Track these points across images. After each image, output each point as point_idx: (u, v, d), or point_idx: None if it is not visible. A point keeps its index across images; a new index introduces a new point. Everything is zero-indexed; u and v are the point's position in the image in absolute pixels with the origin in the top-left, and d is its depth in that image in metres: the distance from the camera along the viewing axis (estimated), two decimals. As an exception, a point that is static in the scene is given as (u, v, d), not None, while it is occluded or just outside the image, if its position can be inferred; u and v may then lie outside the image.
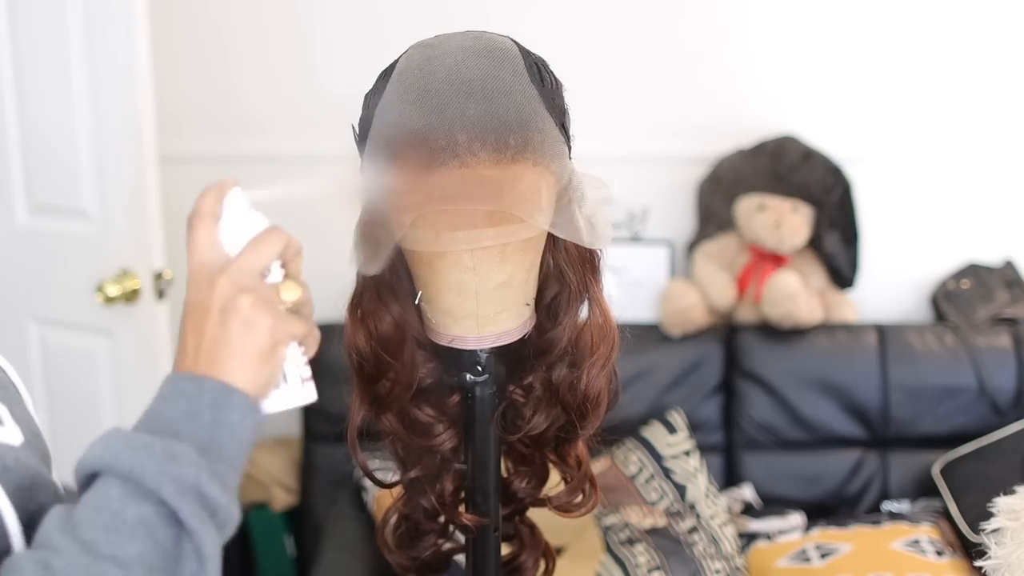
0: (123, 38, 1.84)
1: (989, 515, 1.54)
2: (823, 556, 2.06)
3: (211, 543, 0.67)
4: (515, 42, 0.95)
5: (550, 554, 1.13)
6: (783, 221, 2.32)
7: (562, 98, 0.94)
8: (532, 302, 0.98)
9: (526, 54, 0.93)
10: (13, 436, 0.74)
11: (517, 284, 0.94)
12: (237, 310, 0.71)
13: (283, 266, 0.77)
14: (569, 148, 0.94)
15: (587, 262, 0.99)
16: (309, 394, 0.77)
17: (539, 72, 0.92)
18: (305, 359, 0.78)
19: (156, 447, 0.66)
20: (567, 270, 0.98)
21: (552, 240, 0.97)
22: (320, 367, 2.34)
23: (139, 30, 1.85)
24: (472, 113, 0.86)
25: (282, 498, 2.39)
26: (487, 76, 0.88)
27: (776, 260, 2.38)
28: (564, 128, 0.93)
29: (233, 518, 0.69)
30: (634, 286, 2.44)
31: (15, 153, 2.01)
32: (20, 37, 1.94)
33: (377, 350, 0.99)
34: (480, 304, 0.93)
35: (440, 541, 1.10)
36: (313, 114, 2.47)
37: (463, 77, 0.87)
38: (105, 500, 0.66)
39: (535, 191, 0.89)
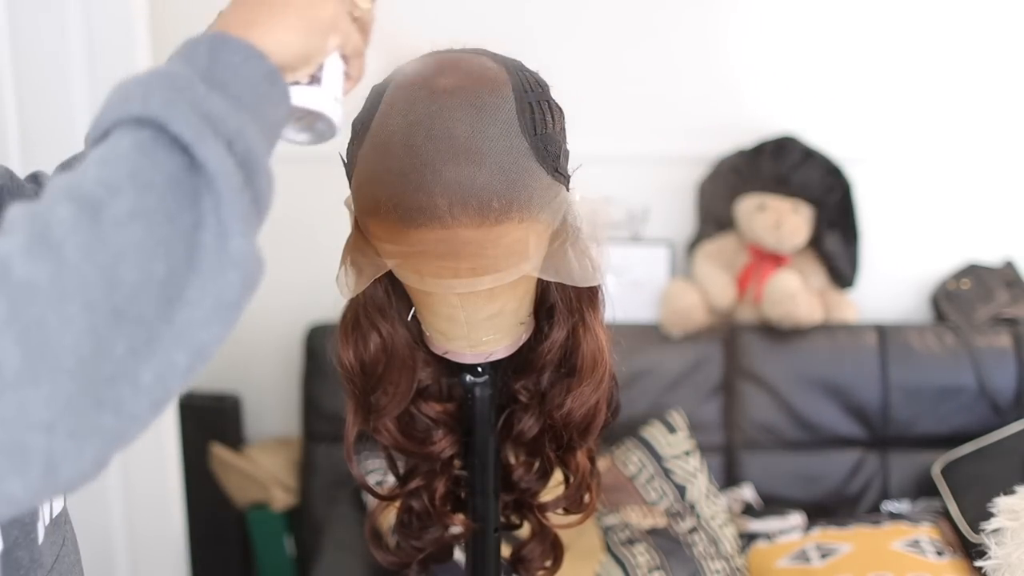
0: (123, 38, 1.84)
1: (989, 515, 1.55)
2: (823, 556, 2.06)
3: (219, 159, 0.56)
4: (513, 70, 0.89)
5: (559, 546, 1.11)
6: (783, 221, 2.32)
7: (556, 140, 0.89)
8: (528, 319, 0.97)
9: (521, 92, 0.87)
10: None
11: (509, 312, 0.93)
12: (312, 7, 0.66)
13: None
14: (566, 185, 0.91)
15: (584, 291, 0.98)
16: (335, 112, 0.73)
17: (532, 116, 0.86)
18: (344, 83, 0.74)
19: (152, 76, 0.60)
20: (560, 295, 0.97)
21: None
22: (321, 367, 2.35)
23: (139, 30, 1.85)
24: (454, 177, 0.82)
25: (282, 498, 2.39)
26: (473, 133, 0.83)
27: (776, 260, 2.38)
28: (558, 171, 0.89)
29: (256, 149, 0.59)
30: (634, 286, 2.44)
31: (15, 153, 2.01)
32: (20, 37, 1.94)
33: (364, 370, 0.98)
34: (471, 330, 0.93)
35: (446, 531, 1.09)
36: (313, 114, 2.46)
37: (447, 132, 0.83)
38: (101, 146, 0.57)
39: (521, 244, 0.86)
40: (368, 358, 0.98)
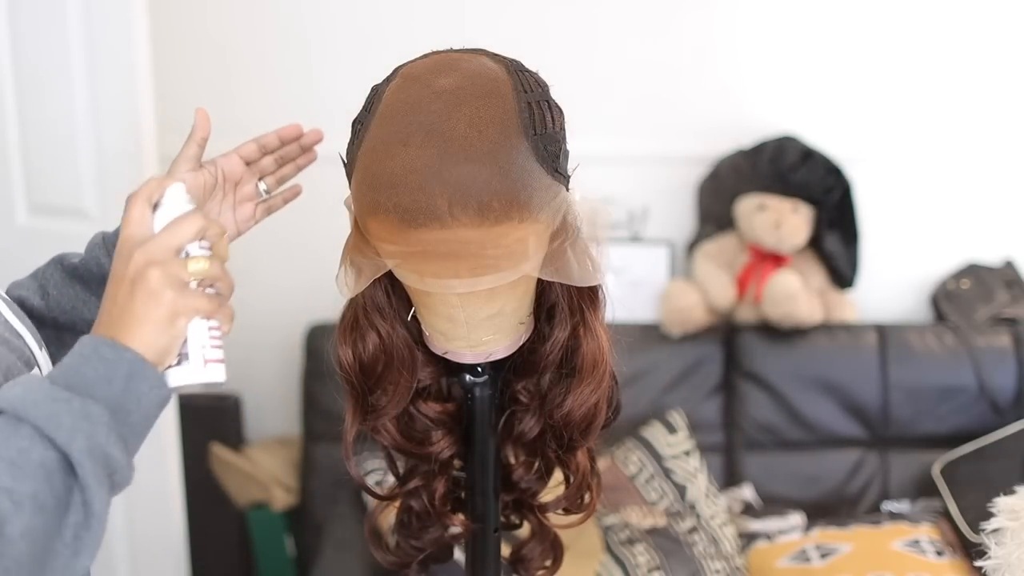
0: (123, 38, 1.84)
1: (989, 515, 1.54)
2: (823, 556, 2.06)
3: (102, 500, 0.72)
4: (513, 70, 0.89)
5: (559, 546, 1.11)
6: (783, 221, 2.32)
7: (556, 140, 0.89)
8: (527, 319, 0.97)
9: (520, 91, 0.87)
10: None
11: (509, 312, 0.93)
12: (145, 281, 0.75)
13: (210, 247, 0.81)
14: (566, 185, 0.91)
15: (585, 291, 0.98)
16: (214, 374, 0.80)
17: (532, 116, 0.86)
18: (218, 338, 0.80)
19: (75, 404, 0.71)
20: (562, 295, 0.97)
21: None
22: (321, 367, 2.35)
23: (139, 30, 1.85)
24: (454, 177, 0.82)
25: (282, 498, 2.39)
26: (472, 133, 0.83)
27: (776, 260, 2.38)
28: (558, 171, 0.89)
29: (128, 479, 0.75)
30: (634, 286, 2.44)
31: (15, 153, 2.01)
32: (20, 37, 1.94)
33: (363, 370, 0.99)
34: (471, 331, 0.93)
35: (445, 531, 1.09)
36: (312, 115, 2.46)
37: (447, 133, 0.83)
38: (15, 435, 0.70)
39: (521, 244, 0.86)
40: (367, 358, 0.98)
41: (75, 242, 1.98)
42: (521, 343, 0.98)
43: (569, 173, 0.93)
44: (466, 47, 0.94)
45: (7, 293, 1.06)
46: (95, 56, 1.87)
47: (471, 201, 0.82)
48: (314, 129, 1.10)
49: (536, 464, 1.07)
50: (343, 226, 0.95)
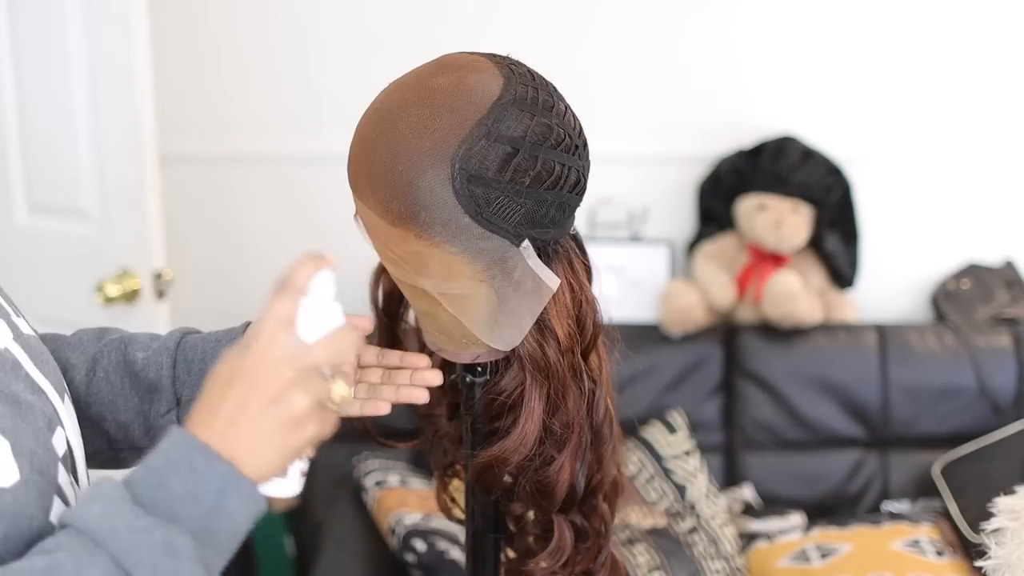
0: (123, 38, 1.84)
1: (989, 515, 1.54)
2: (823, 556, 2.06)
3: None
4: (509, 103, 0.84)
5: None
6: (783, 221, 2.32)
7: (499, 189, 0.83)
8: (479, 342, 0.94)
9: (491, 124, 0.83)
10: (5, 475, 0.69)
11: (444, 321, 0.93)
12: (289, 407, 0.70)
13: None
14: (512, 240, 0.86)
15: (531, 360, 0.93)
16: (297, 487, 0.76)
17: (476, 153, 0.82)
18: (309, 454, 0.77)
19: (156, 535, 0.65)
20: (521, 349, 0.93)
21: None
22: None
23: (139, 30, 1.84)
24: (376, 166, 0.84)
25: (282, 498, 2.39)
26: (409, 136, 0.83)
27: (776, 260, 2.38)
28: (483, 217, 0.84)
29: None
30: (634, 286, 2.44)
31: (15, 153, 2.01)
32: (20, 37, 1.94)
33: (385, 300, 1.04)
34: (425, 326, 0.97)
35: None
36: (312, 114, 2.47)
37: (397, 126, 0.84)
38: (89, 563, 0.64)
39: (420, 257, 0.86)
40: (387, 289, 1.03)
41: (75, 242, 1.99)
42: (478, 359, 0.97)
43: (529, 234, 0.87)
44: (509, 55, 0.91)
45: (68, 337, 0.99)
46: (95, 56, 1.87)
47: (378, 194, 0.84)
48: (435, 372, 0.99)
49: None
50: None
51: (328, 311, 0.74)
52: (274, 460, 0.70)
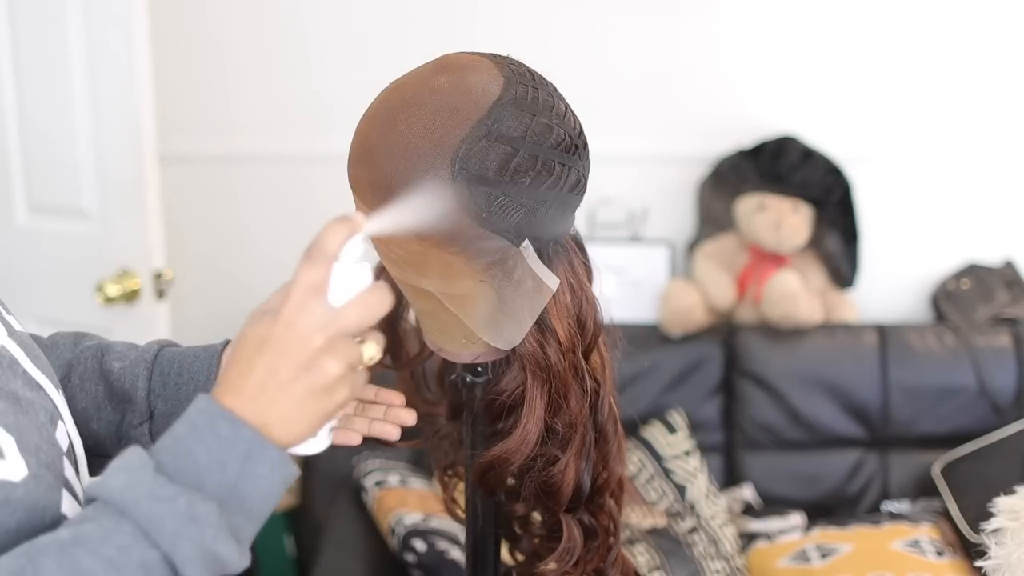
0: (123, 38, 1.84)
1: (989, 515, 1.54)
2: (823, 556, 2.06)
3: None
4: (509, 103, 0.84)
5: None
6: (783, 221, 2.32)
7: (499, 188, 0.84)
8: (479, 341, 0.95)
9: (492, 124, 0.83)
10: (14, 470, 0.69)
11: (444, 320, 0.94)
12: (322, 374, 0.69)
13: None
14: (512, 240, 0.86)
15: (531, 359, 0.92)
16: (326, 444, 0.76)
17: (476, 152, 0.82)
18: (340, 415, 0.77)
19: (180, 503, 0.65)
20: (521, 350, 0.92)
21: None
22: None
23: (139, 30, 1.84)
24: (375, 164, 0.85)
25: (282, 498, 2.39)
26: (409, 135, 0.84)
27: (776, 260, 2.38)
28: (483, 216, 0.84)
29: (242, 566, 0.68)
30: (634, 286, 2.44)
31: (15, 153, 2.01)
32: (20, 37, 1.94)
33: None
34: (424, 324, 0.98)
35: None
36: (312, 114, 2.47)
37: (397, 125, 0.84)
38: (115, 531, 0.65)
39: (419, 256, 0.87)
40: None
41: (75, 242, 1.99)
42: (478, 359, 0.98)
43: (528, 234, 0.88)
44: (509, 55, 0.91)
45: (47, 337, 0.98)
46: (95, 56, 1.87)
47: (378, 194, 0.85)
48: (409, 411, 0.98)
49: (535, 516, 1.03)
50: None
51: (357, 273, 0.73)
52: (306, 426, 0.70)
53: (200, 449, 0.67)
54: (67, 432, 0.79)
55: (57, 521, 0.71)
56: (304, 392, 0.69)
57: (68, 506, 0.73)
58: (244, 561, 0.68)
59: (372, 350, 0.74)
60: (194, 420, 0.68)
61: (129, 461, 0.67)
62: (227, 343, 0.97)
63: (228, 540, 0.66)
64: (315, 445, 0.75)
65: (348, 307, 0.71)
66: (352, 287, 0.72)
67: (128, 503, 0.65)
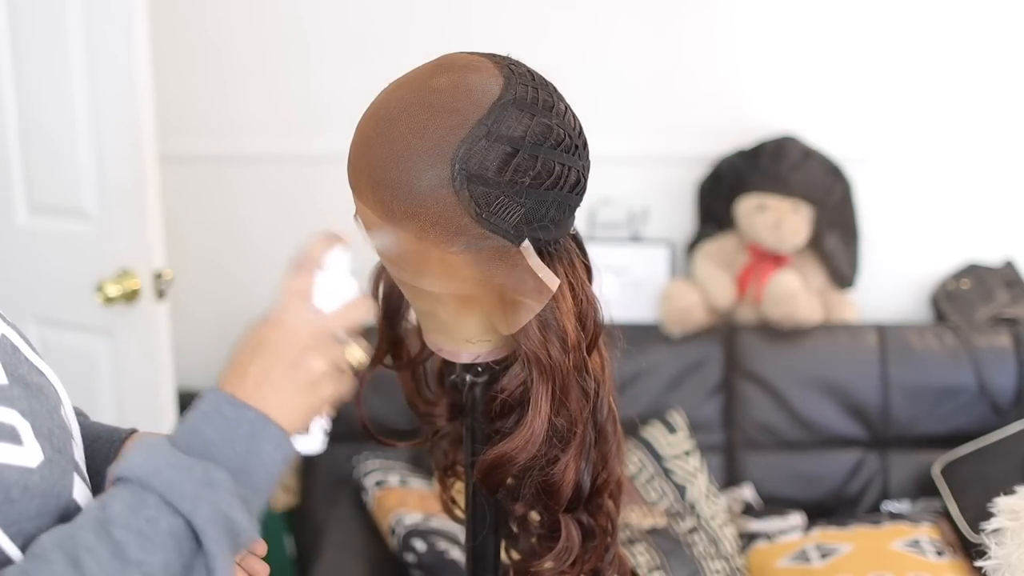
0: (123, 38, 1.84)
1: (989, 515, 1.54)
2: (823, 556, 2.06)
3: (224, 567, 0.71)
4: (509, 103, 0.84)
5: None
6: (783, 221, 2.32)
7: (499, 189, 0.84)
8: (479, 342, 0.95)
9: (491, 125, 0.83)
10: (31, 456, 0.72)
11: (445, 320, 0.94)
12: (307, 370, 0.76)
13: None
14: (511, 241, 0.87)
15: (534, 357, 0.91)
16: (320, 445, 0.82)
17: (476, 153, 0.83)
18: (330, 414, 0.82)
19: (196, 470, 0.70)
20: (523, 349, 0.92)
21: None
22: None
23: (139, 30, 1.85)
24: (376, 166, 0.85)
25: (282, 498, 2.39)
26: (408, 136, 0.84)
27: (776, 260, 2.38)
28: (483, 217, 0.84)
29: (252, 538, 0.73)
30: (634, 286, 2.44)
31: (15, 153, 2.01)
32: (20, 37, 1.94)
33: (388, 299, 1.05)
34: (424, 323, 0.98)
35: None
36: (312, 114, 2.47)
37: (396, 126, 0.85)
38: (141, 504, 0.69)
39: (421, 256, 0.87)
40: (387, 288, 1.05)
41: (75, 242, 1.99)
42: (478, 359, 0.98)
43: (534, 235, 0.88)
44: (509, 55, 0.91)
45: None
46: (95, 57, 1.87)
47: (378, 194, 0.86)
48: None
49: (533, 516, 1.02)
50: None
51: (343, 284, 0.81)
52: (296, 418, 0.76)
53: (209, 429, 0.73)
54: (71, 417, 0.83)
55: (69, 505, 0.75)
56: (293, 387, 0.76)
57: (79, 490, 0.77)
58: (254, 532, 0.73)
59: (357, 352, 0.81)
60: (201, 407, 0.74)
61: (146, 443, 0.72)
62: (133, 431, 0.96)
63: (240, 507, 0.71)
64: (310, 443, 0.81)
65: (333, 312, 0.79)
66: (338, 295, 0.80)
67: (149, 474, 0.70)
